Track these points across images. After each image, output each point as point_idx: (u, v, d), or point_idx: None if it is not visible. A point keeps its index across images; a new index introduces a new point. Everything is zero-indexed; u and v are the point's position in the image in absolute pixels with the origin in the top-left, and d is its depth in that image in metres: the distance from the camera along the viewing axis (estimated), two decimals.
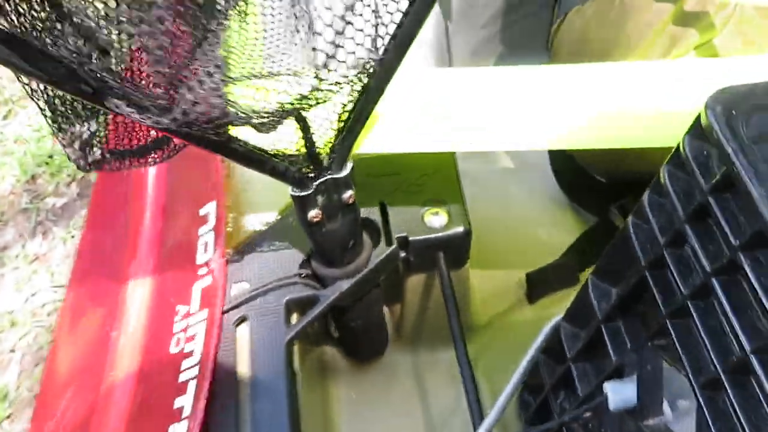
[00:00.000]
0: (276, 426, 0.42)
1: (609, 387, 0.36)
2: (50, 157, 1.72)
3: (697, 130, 0.25)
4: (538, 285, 0.64)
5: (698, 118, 0.25)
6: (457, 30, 0.74)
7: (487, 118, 0.46)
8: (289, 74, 0.32)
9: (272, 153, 0.38)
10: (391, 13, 0.35)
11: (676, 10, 0.53)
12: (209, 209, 0.51)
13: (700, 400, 0.26)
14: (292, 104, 0.32)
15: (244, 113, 0.29)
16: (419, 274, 0.55)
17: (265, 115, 0.30)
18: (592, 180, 0.67)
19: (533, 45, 0.79)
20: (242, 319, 0.47)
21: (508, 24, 0.78)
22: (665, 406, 0.34)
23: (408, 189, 0.51)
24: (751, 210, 0.23)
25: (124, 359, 0.50)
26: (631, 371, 0.35)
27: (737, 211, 0.23)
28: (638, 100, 0.47)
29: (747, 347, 0.22)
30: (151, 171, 0.59)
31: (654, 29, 0.54)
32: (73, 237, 1.62)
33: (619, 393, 0.35)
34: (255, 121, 0.30)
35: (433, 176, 0.53)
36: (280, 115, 0.31)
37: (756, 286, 0.22)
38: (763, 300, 0.21)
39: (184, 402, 0.43)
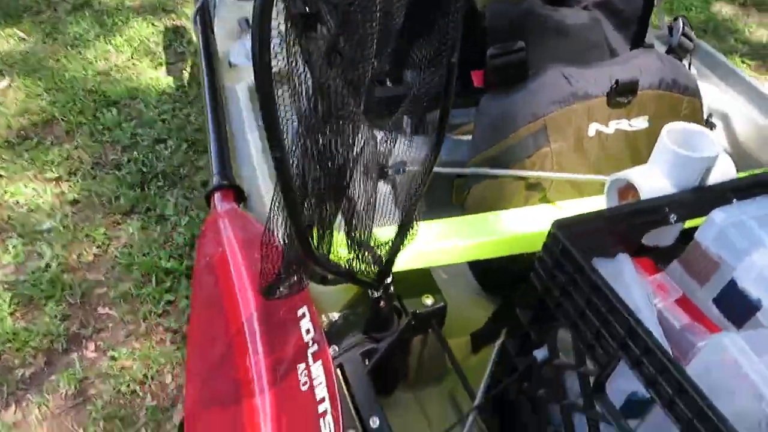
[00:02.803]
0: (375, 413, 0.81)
1: (537, 353, 0.80)
2: (14, 334, 1.90)
3: (550, 237, 0.73)
4: (477, 341, 1.07)
5: (550, 231, 0.73)
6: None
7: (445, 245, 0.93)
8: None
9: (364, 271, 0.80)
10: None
11: (526, 183, 1.06)
12: (304, 309, 0.91)
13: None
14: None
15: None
16: (418, 335, 0.97)
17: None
18: (496, 277, 1.15)
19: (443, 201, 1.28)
20: (340, 365, 0.86)
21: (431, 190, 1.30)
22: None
23: (411, 286, 0.95)
24: (573, 262, 0.70)
25: (264, 404, 0.85)
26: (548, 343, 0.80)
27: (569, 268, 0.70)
28: (516, 226, 0.96)
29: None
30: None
31: (516, 194, 1.05)
32: (46, 401, 1.79)
33: (541, 353, 0.79)
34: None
35: (420, 280, 0.97)
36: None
37: (576, 304, 0.68)
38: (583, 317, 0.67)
39: (325, 407, 0.80)
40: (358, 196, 0.78)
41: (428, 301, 0.95)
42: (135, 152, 2.47)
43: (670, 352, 0.71)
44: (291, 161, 0.59)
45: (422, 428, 0.98)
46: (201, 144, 2.51)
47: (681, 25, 1.13)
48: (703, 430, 0.57)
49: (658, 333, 0.70)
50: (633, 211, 0.80)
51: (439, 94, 0.74)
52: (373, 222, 0.85)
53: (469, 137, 1.17)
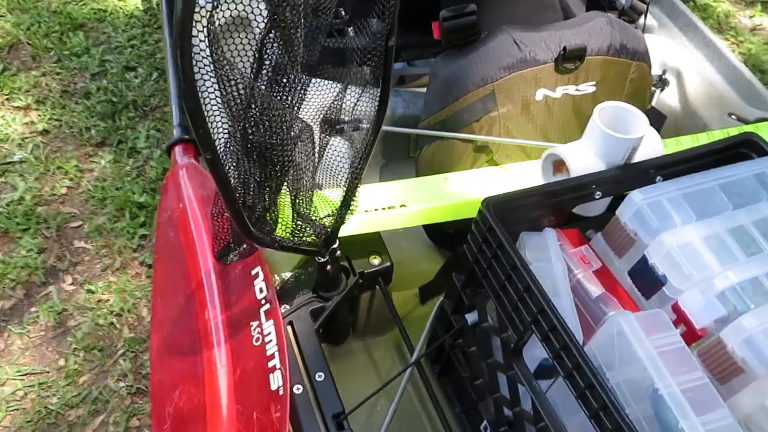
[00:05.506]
0: (320, 369, 0.88)
1: (467, 316, 0.88)
2: None
3: (479, 213, 0.78)
4: (425, 293, 1.15)
5: (479, 208, 0.78)
6: None
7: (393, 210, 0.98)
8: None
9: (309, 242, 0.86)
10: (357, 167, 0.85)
11: (474, 146, 1.10)
12: (257, 270, 0.97)
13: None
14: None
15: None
16: (366, 292, 1.04)
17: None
18: (446, 233, 1.21)
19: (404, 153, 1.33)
20: (290, 322, 0.93)
21: (391, 143, 1.34)
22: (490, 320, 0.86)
23: (360, 246, 1.01)
24: (496, 239, 0.76)
25: (221, 355, 0.93)
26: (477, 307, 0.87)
27: (493, 243, 0.76)
28: (463, 191, 1.01)
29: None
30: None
31: (464, 156, 1.10)
32: (27, 332, 1.87)
33: (471, 316, 0.87)
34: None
35: (369, 240, 1.03)
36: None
37: (498, 277, 0.74)
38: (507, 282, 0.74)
39: (275, 363, 0.87)
40: (307, 163, 0.83)
41: (375, 261, 1.01)
42: (104, 80, 2.44)
43: (580, 324, 0.78)
44: (225, 156, 0.63)
45: (369, 373, 1.08)
46: None
47: None
48: (592, 400, 0.65)
49: (570, 307, 0.77)
50: (561, 189, 0.85)
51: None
52: (323, 184, 0.89)
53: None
